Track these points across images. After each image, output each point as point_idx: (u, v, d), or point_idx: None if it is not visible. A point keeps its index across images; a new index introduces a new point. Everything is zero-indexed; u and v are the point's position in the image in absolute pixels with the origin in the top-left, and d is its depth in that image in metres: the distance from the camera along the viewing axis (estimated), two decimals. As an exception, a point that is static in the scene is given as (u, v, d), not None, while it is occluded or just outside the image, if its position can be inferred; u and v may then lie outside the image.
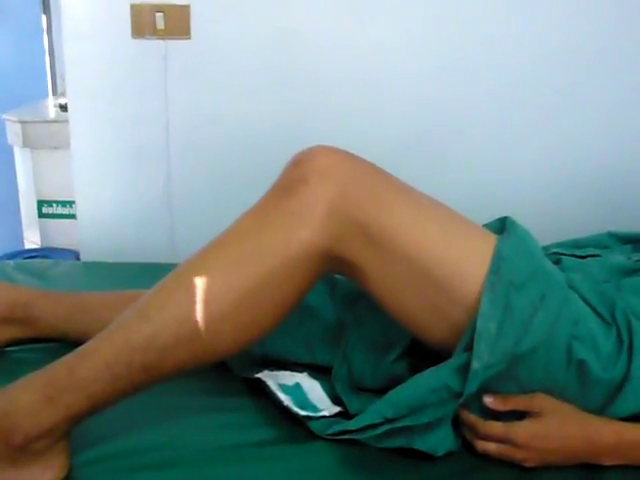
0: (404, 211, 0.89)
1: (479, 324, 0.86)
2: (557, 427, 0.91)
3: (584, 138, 1.77)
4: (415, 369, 1.00)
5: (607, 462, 0.93)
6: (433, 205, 0.93)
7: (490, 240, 0.91)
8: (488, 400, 0.92)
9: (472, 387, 0.88)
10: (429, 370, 0.91)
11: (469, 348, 0.87)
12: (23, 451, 0.85)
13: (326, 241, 0.86)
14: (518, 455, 0.91)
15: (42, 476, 0.86)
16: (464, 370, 0.88)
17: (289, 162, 0.92)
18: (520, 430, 0.90)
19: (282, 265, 0.86)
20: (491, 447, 0.92)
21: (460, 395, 0.89)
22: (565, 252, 1.11)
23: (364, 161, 0.92)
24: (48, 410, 0.84)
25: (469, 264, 0.89)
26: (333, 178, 0.87)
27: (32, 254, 2.34)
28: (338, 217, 0.86)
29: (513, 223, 0.95)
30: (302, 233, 0.86)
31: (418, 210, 0.91)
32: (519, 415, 0.92)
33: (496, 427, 0.91)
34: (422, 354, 1.03)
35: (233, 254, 0.87)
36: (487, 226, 0.98)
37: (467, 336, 0.88)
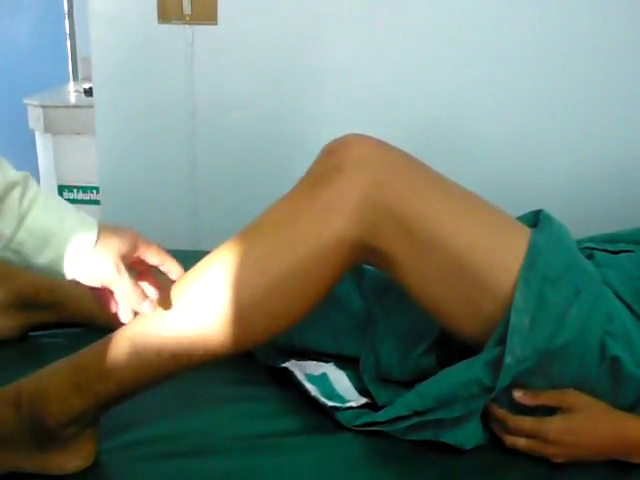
0: (439, 201, 0.88)
1: (513, 318, 0.85)
2: (588, 424, 0.90)
3: (606, 131, 1.75)
4: (443, 362, 0.99)
5: (638, 460, 0.92)
6: (467, 195, 0.92)
7: (525, 232, 0.90)
8: (518, 395, 0.91)
9: (504, 382, 0.87)
10: (460, 363, 0.90)
11: (501, 342, 0.86)
12: (52, 437, 0.85)
13: (360, 231, 0.85)
14: (548, 450, 0.91)
15: (71, 463, 0.86)
16: (496, 364, 0.87)
17: (322, 151, 0.91)
18: (551, 425, 0.90)
19: (315, 254, 0.85)
20: (520, 442, 0.92)
21: (491, 389, 0.88)
22: (597, 247, 1.09)
23: (398, 150, 0.91)
24: (77, 396, 0.84)
25: (504, 256, 0.88)
26: (368, 167, 0.86)
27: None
28: (373, 206, 0.85)
29: (548, 217, 0.94)
30: (336, 223, 0.84)
31: (453, 200, 0.89)
32: (548, 410, 0.91)
33: (526, 422, 0.91)
34: (450, 347, 1.02)
35: (266, 243, 0.86)
36: (520, 219, 0.97)
37: (499, 330, 0.87)
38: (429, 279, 0.89)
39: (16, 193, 0.78)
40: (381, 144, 0.90)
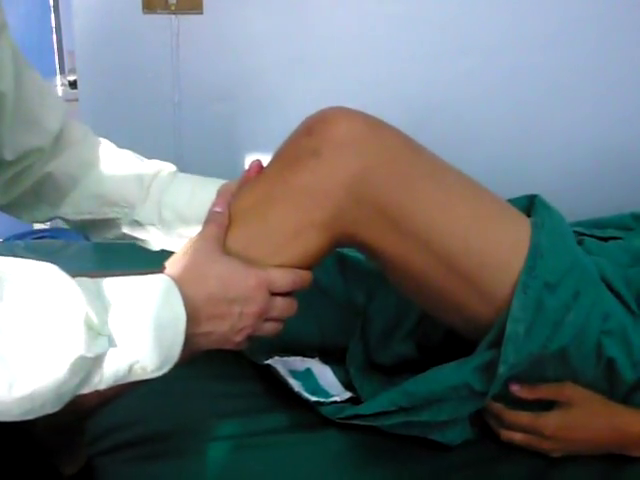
0: (432, 193, 0.79)
1: (509, 327, 0.80)
2: (586, 418, 0.89)
3: (597, 116, 1.75)
4: (422, 346, 0.98)
5: (635, 453, 0.91)
6: (464, 185, 0.83)
7: (525, 229, 0.83)
8: (515, 388, 0.89)
9: (496, 389, 0.84)
10: (449, 366, 0.86)
11: (493, 345, 0.83)
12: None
13: (341, 224, 0.77)
14: (545, 445, 0.89)
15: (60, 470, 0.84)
16: (487, 369, 0.83)
17: (300, 127, 0.80)
18: (548, 420, 0.88)
19: (290, 245, 0.78)
20: (517, 437, 0.90)
21: (480, 393, 0.85)
22: (586, 232, 1.07)
23: (390, 130, 0.80)
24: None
25: (501, 255, 0.82)
26: (350, 152, 0.76)
27: (41, 234, 2.31)
28: (356, 198, 0.76)
29: (544, 205, 0.88)
30: (314, 212, 0.76)
31: (448, 192, 0.81)
32: (544, 404, 0.89)
33: (523, 417, 0.89)
34: (430, 331, 1.00)
35: (240, 234, 0.78)
36: (513, 202, 0.90)
37: (492, 334, 0.83)
38: (418, 276, 0.83)
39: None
40: (369, 122, 0.79)
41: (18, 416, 0.58)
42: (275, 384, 1.03)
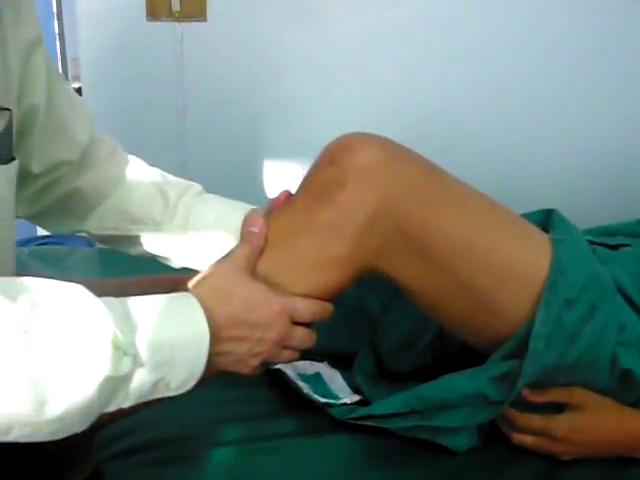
0: (454, 220, 0.79)
1: (532, 344, 0.80)
2: (596, 421, 0.88)
3: (594, 121, 1.76)
4: (438, 356, 0.98)
5: None
6: (485, 208, 0.83)
7: (544, 246, 0.83)
8: (525, 392, 0.88)
9: (511, 399, 0.84)
10: (463, 374, 0.87)
11: (509, 357, 0.83)
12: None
13: (363, 256, 0.78)
14: (556, 448, 0.89)
15: (69, 476, 0.84)
16: (502, 379, 0.84)
17: (322, 156, 0.81)
18: (559, 423, 0.88)
19: (313, 276, 0.78)
20: (528, 440, 0.90)
21: (495, 403, 0.85)
22: (595, 240, 1.06)
23: (410, 156, 0.81)
24: None
25: (520, 275, 0.82)
26: (375, 181, 0.76)
27: (45, 241, 2.31)
28: (379, 229, 0.76)
29: (562, 220, 0.89)
30: (336, 247, 0.77)
31: (469, 217, 0.80)
32: (555, 407, 0.89)
33: (534, 420, 0.88)
34: (447, 344, 1.00)
35: (264, 263, 0.79)
36: (529, 216, 0.91)
37: (509, 346, 0.83)
38: (439, 298, 0.83)
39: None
40: (390, 150, 0.80)
41: (47, 436, 0.59)
42: (284, 390, 1.03)
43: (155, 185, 0.94)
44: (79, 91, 2.17)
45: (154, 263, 1.44)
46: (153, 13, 1.66)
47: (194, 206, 0.93)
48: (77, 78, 2.33)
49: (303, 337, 0.77)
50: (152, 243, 0.95)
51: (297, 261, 0.78)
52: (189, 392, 0.97)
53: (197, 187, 0.96)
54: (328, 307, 0.79)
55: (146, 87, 1.72)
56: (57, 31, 2.92)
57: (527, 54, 1.69)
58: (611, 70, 1.70)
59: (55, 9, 2.90)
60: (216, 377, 1.03)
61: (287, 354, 0.77)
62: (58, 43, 2.93)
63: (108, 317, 0.60)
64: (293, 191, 0.85)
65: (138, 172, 0.96)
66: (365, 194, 0.76)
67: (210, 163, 1.76)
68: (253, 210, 0.91)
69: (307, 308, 0.76)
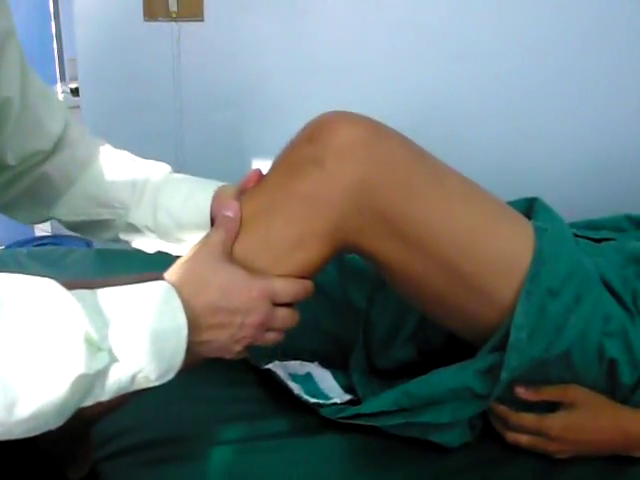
0: (435, 200, 0.78)
1: (512, 335, 0.80)
2: (591, 419, 0.88)
3: (591, 118, 1.76)
4: (423, 349, 0.98)
5: (639, 454, 0.90)
6: (467, 191, 0.82)
7: (526, 233, 0.82)
8: (520, 390, 0.88)
9: (498, 392, 0.84)
10: (451, 369, 0.87)
11: (495, 349, 0.83)
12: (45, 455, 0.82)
13: (343, 232, 0.77)
14: (550, 447, 0.89)
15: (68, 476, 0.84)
16: (488, 372, 0.84)
17: (301, 133, 0.79)
18: (554, 422, 0.88)
19: (292, 254, 0.77)
20: (522, 439, 0.90)
21: (482, 396, 0.85)
22: (579, 234, 1.06)
23: (391, 134, 0.79)
24: None
25: (504, 263, 0.81)
26: (353, 160, 0.75)
27: (43, 242, 2.32)
28: (358, 207, 0.75)
29: (545, 209, 0.88)
30: (314, 225, 0.76)
31: (450, 198, 0.79)
32: (549, 405, 0.89)
33: (529, 419, 0.89)
34: (431, 335, 1.00)
35: (239, 244, 0.77)
36: (512, 204, 0.90)
37: (495, 339, 0.83)
38: (420, 281, 0.82)
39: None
40: (370, 127, 0.78)
41: (20, 435, 0.57)
42: (275, 389, 1.03)
43: (123, 167, 0.92)
44: (76, 92, 2.17)
45: (152, 262, 1.45)
46: (150, 13, 1.66)
47: (163, 186, 0.91)
48: (74, 79, 2.33)
49: (285, 318, 0.76)
50: (124, 227, 0.93)
51: (274, 241, 0.77)
52: (183, 391, 0.98)
53: (166, 167, 0.95)
54: (309, 285, 0.78)
55: (143, 87, 1.72)
56: (54, 32, 2.92)
57: (527, 51, 1.69)
58: (612, 67, 1.71)
59: (52, 10, 2.90)
60: (210, 377, 1.04)
61: (271, 336, 0.76)
62: (55, 44, 2.93)
63: (80, 312, 0.58)
64: (264, 171, 0.83)
65: (106, 155, 0.94)
66: (344, 171, 0.75)
67: (207, 163, 1.75)
68: (223, 187, 0.88)
69: (287, 289, 0.75)
